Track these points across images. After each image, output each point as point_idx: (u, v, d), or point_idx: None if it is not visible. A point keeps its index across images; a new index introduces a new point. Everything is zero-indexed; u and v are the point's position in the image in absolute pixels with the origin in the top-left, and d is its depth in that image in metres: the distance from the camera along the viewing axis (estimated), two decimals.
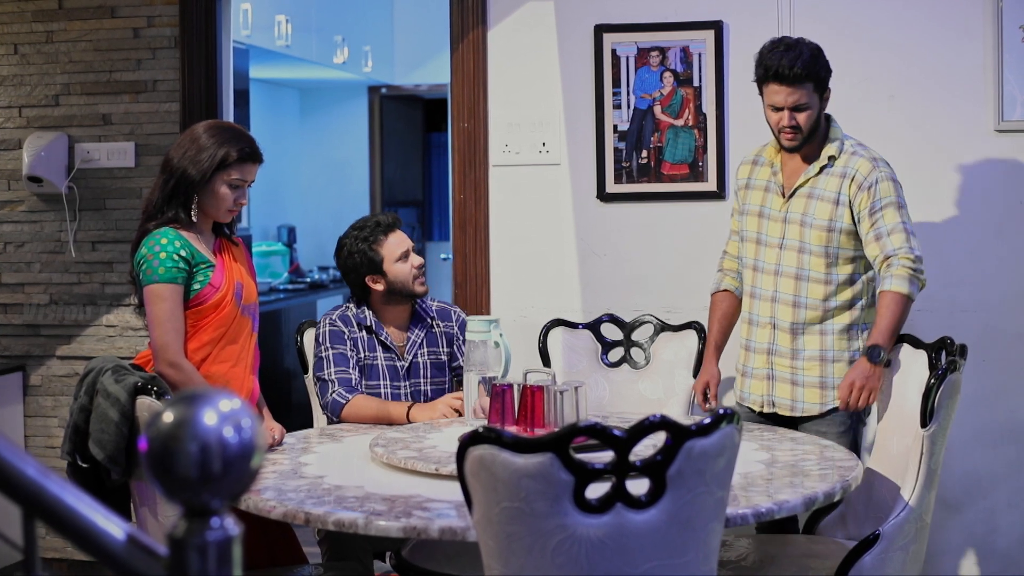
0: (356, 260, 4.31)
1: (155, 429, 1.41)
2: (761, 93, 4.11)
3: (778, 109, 4.04)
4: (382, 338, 4.30)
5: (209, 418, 1.40)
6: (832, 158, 4.10)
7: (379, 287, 4.31)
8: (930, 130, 4.89)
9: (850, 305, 4.13)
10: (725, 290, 4.40)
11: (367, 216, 4.47)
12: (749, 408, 4.27)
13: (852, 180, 4.05)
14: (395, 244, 4.32)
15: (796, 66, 3.97)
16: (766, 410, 4.22)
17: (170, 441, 1.40)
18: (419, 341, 4.36)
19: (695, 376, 4.55)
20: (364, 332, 4.31)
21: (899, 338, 3.95)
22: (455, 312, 4.48)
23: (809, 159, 4.14)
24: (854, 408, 3.94)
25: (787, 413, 4.18)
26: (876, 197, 4.01)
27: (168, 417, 1.41)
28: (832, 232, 4.07)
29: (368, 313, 4.33)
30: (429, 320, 4.40)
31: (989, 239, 4.89)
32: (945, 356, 3.71)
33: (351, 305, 4.37)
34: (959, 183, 4.88)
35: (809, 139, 4.09)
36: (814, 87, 4.01)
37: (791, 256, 4.13)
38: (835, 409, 4.10)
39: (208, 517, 1.42)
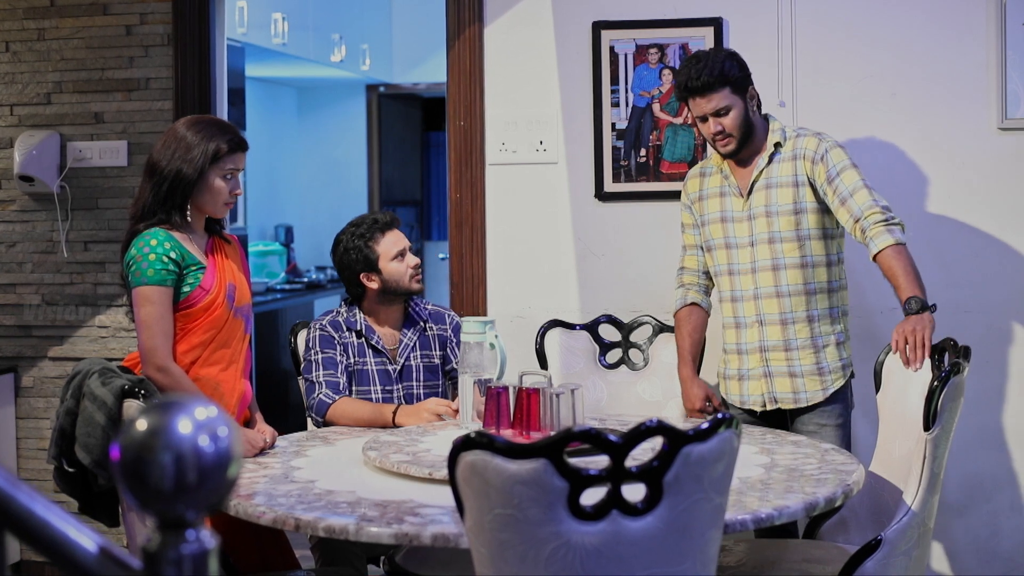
0: (352, 257, 4.28)
1: (128, 438, 1.35)
2: (690, 112, 4.24)
3: (704, 119, 4.12)
4: (373, 342, 4.25)
5: (184, 426, 1.35)
6: (778, 144, 4.17)
7: (374, 285, 4.27)
8: (932, 129, 4.84)
9: (828, 288, 4.18)
10: (692, 304, 4.37)
11: (365, 214, 4.45)
12: (751, 410, 4.24)
13: (804, 158, 4.13)
14: (391, 243, 4.28)
15: (704, 75, 4.07)
16: (769, 407, 4.21)
17: (143, 451, 1.34)
18: (411, 344, 4.31)
19: None
20: (355, 336, 4.26)
21: None
22: (449, 315, 4.43)
23: (756, 154, 4.20)
24: (915, 363, 3.75)
25: (791, 406, 4.19)
26: (830, 165, 4.08)
27: (141, 425, 1.36)
28: (800, 214, 4.13)
29: (360, 316, 4.29)
30: (422, 323, 4.35)
31: (992, 239, 4.83)
32: (948, 358, 3.66)
33: (342, 309, 4.33)
34: (961, 182, 4.83)
35: (747, 141, 4.16)
36: (731, 90, 4.09)
37: (763, 249, 4.16)
38: (837, 393, 4.17)
39: (183, 529, 1.37)
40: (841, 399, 4.19)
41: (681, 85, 4.13)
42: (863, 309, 4.75)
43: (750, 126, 4.15)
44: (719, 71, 4.08)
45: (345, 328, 4.26)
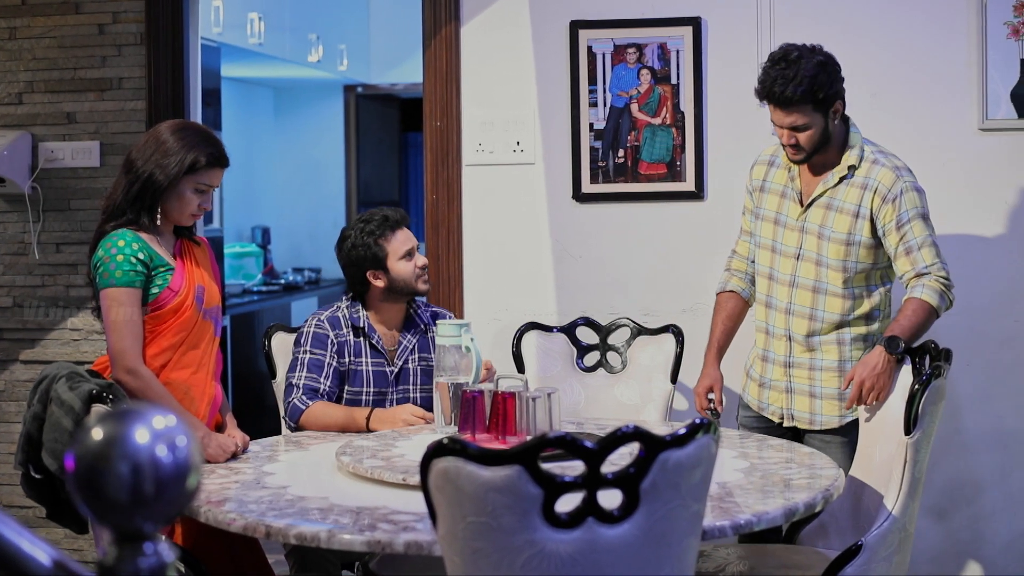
0: (360, 253, 4.17)
1: (82, 447, 1.30)
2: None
3: (781, 126, 3.89)
4: (373, 341, 4.18)
5: (141, 436, 1.29)
6: (852, 168, 3.95)
7: (380, 283, 4.18)
8: (913, 129, 4.81)
9: (867, 318, 4.02)
10: (731, 291, 4.26)
11: (374, 209, 4.34)
12: (769, 419, 4.15)
13: (875, 192, 3.90)
14: (401, 241, 4.19)
15: (788, 89, 3.78)
16: (786, 423, 4.11)
17: (98, 461, 1.29)
18: (411, 347, 4.23)
19: (672, 381, 4.46)
20: (353, 335, 4.18)
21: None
22: (449, 317, 4.36)
23: (827, 167, 3.99)
24: (865, 404, 3.78)
25: (805, 426, 4.07)
26: (902, 209, 3.87)
27: (97, 434, 1.30)
28: (851, 246, 3.93)
29: (362, 313, 4.20)
30: (423, 326, 4.27)
31: (973, 241, 4.80)
32: (929, 361, 3.62)
33: (343, 304, 4.24)
34: (943, 183, 4.80)
35: (819, 151, 3.93)
36: (813, 107, 3.83)
37: (808, 268, 4.00)
38: (855, 422, 3.98)
39: (140, 542, 1.32)
40: (854, 422, 4.03)
41: (764, 89, 3.84)
42: None
43: (827, 138, 3.91)
44: (807, 88, 3.79)
45: (344, 325, 4.19)
